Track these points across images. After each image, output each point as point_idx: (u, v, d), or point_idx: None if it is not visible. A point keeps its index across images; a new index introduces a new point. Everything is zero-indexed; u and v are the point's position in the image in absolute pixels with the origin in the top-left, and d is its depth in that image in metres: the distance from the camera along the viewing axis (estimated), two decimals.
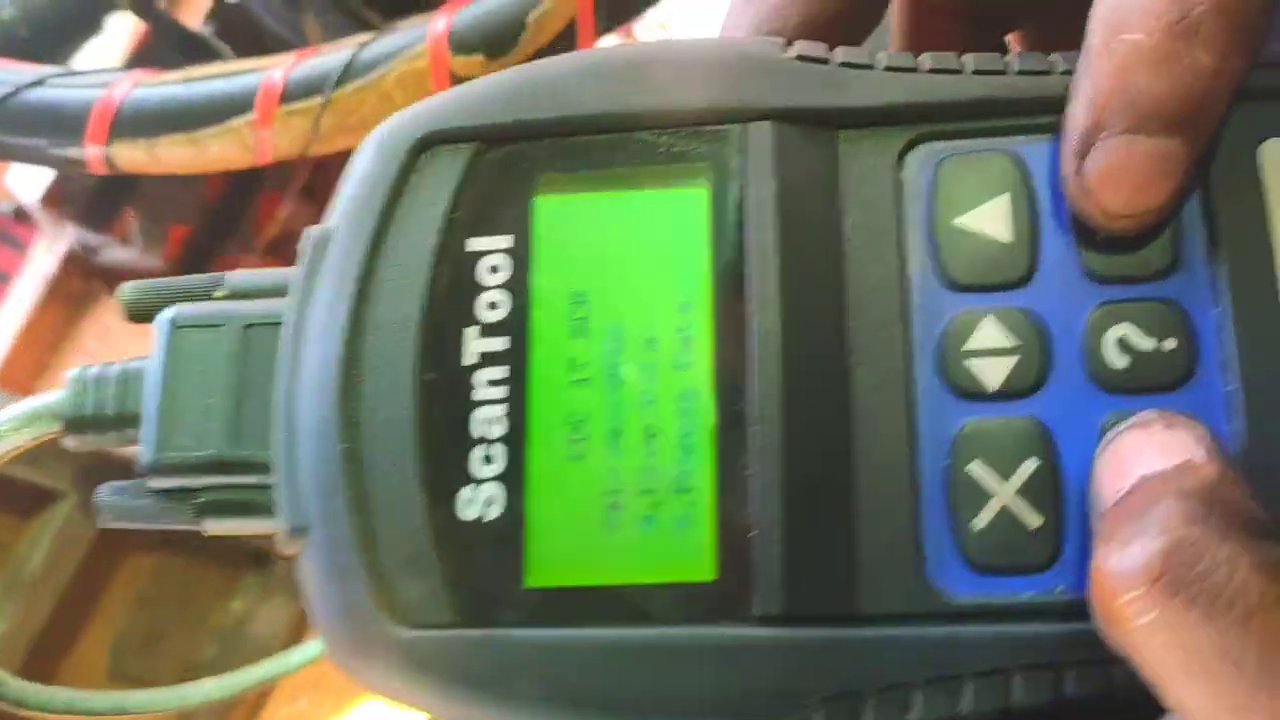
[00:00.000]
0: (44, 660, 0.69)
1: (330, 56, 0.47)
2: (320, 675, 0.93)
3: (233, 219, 0.80)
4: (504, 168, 0.21)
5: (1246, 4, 0.18)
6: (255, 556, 0.80)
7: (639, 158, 0.20)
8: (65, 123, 0.48)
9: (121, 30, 0.71)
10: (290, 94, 0.46)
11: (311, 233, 0.21)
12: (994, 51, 0.21)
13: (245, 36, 0.72)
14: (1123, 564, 0.16)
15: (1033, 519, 0.18)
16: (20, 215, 0.80)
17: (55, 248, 0.80)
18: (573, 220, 0.21)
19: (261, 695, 0.82)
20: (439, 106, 0.21)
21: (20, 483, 0.63)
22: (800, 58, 0.21)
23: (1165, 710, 0.17)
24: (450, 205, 0.20)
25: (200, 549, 0.77)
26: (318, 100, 0.46)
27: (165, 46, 0.70)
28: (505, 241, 0.20)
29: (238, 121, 0.47)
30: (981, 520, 0.19)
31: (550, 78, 0.21)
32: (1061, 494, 0.18)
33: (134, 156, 0.48)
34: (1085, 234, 0.20)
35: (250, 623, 0.79)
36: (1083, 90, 0.19)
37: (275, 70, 0.47)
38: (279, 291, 0.21)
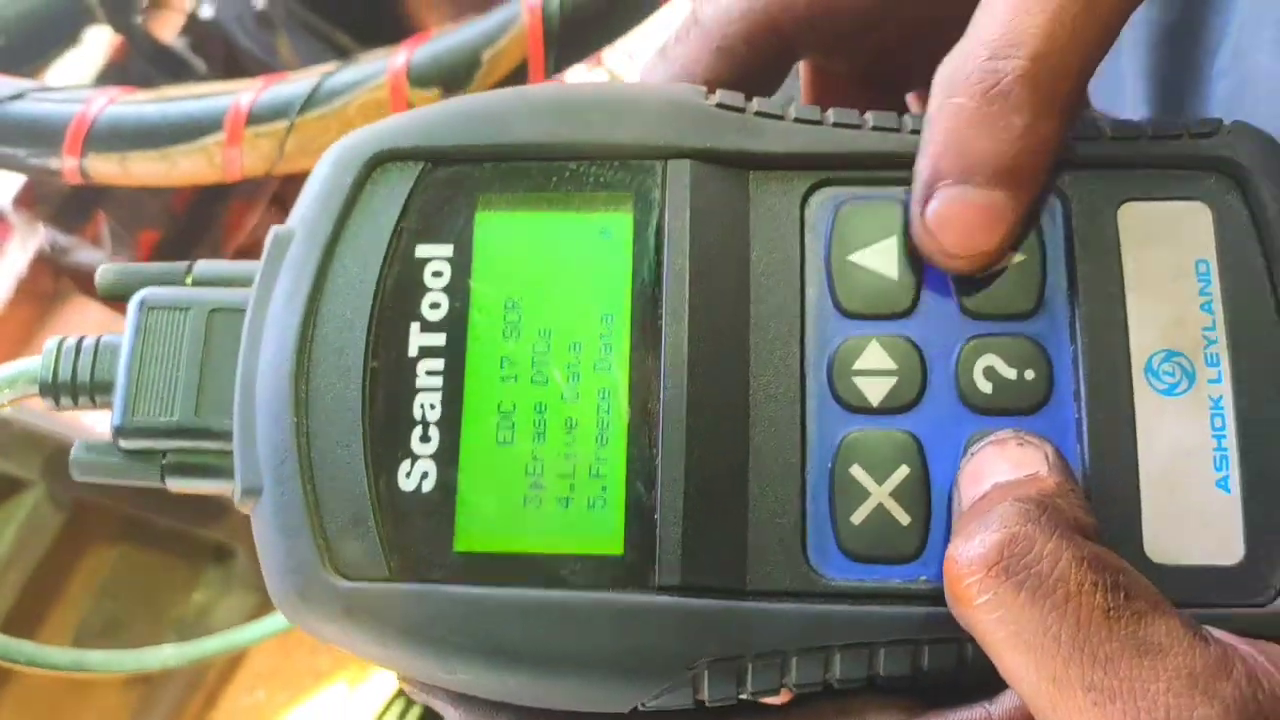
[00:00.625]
0: None
1: (296, 84, 0.50)
2: (277, 668, 0.95)
3: (202, 225, 0.82)
4: (449, 185, 0.23)
5: (1053, 75, 0.21)
6: (217, 551, 0.82)
7: (570, 184, 0.22)
8: (42, 135, 0.51)
9: (98, 43, 0.73)
10: (257, 117, 0.49)
11: (274, 231, 0.23)
12: (894, 109, 0.24)
13: (218, 52, 0.75)
14: (967, 552, 0.19)
15: (903, 517, 0.21)
16: None
17: (27, 247, 0.82)
18: (509, 235, 0.22)
19: (218, 686, 0.84)
20: (392, 127, 0.23)
21: None
22: (719, 105, 0.23)
23: (1000, 690, 0.20)
24: (400, 214, 0.22)
25: (164, 543, 0.79)
26: (283, 124, 0.49)
27: (140, 59, 0.73)
28: (448, 250, 0.22)
29: (207, 141, 0.50)
30: (858, 516, 0.21)
31: (494, 108, 0.23)
32: (929, 498, 0.21)
33: (107, 169, 0.51)
34: (962, 276, 0.22)
35: (210, 615, 0.81)
36: (924, 147, 0.22)
37: (244, 94, 0.50)
38: (243, 281, 0.23)
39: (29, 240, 0.84)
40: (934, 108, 0.22)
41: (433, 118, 0.23)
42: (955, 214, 0.21)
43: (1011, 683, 0.19)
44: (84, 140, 0.50)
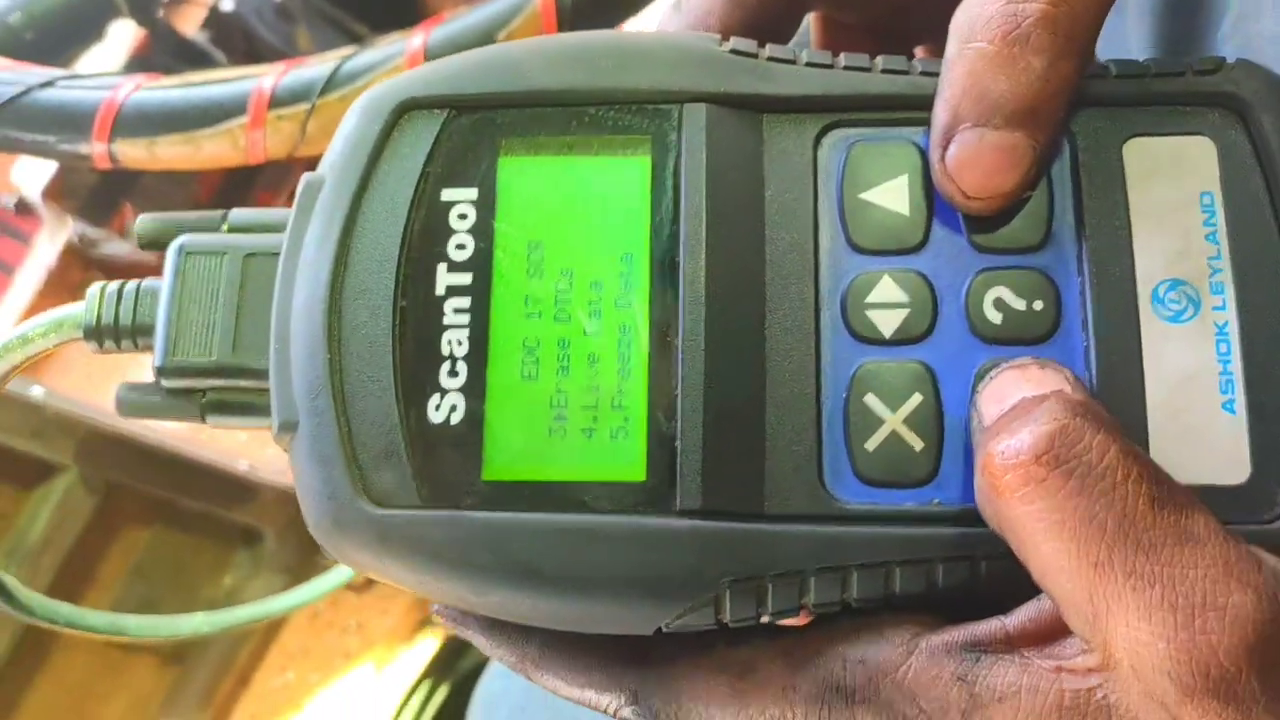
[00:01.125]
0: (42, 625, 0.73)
1: (316, 67, 0.51)
2: (308, 649, 0.97)
3: None
4: (473, 131, 0.23)
5: (1071, 18, 0.21)
6: (246, 534, 0.84)
7: (590, 129, 0.23)
8: (73, 121, 0.52)
9: (122, 36, 0.74)
10: (279, 100, 0.50)
11: (306, 177, 0.23)
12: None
13: (239, 44, 0.76)
14: (1013, 444, 0.19)
15: (916, 443, 0.21)
16: (22, 208, 0.84)
17: (56, 240, 0.84)
18: (531, 179, 0.23)
19: (250, 667, 0.86)
20: (418, 77, 0.24)
21: (22, 455, 0.66)
22: (733, 51, 0.23)
23: (1015, 608, 0.20)
24: (426, 160, 0.23)
25: (194, 526, 0.80)
26: (305, 106, 0.50)
27: (163, 52, 0.74)
28: (473, 194, 0.23)
29: (231, 124, 0.51)
30: (873, 442, 0.22)
31: (515, 56, 0.24)
32: (941, 424, 0.21)
33: (135, 153, 0.52)
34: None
35: (240, 597, 0.82)
36: (942, 92, 0.22)
37: (266, 78, 0.51)
38: (276, 227, 0.24)
39: (58, 233, 0.86)
40: (952, 53, 0.22)
41: (456, 68, 0.24)
42: (975, 157, 0.21)
43: (1045, 576, 0.19)
44: (112, 125, 0.51)
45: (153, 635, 0.47)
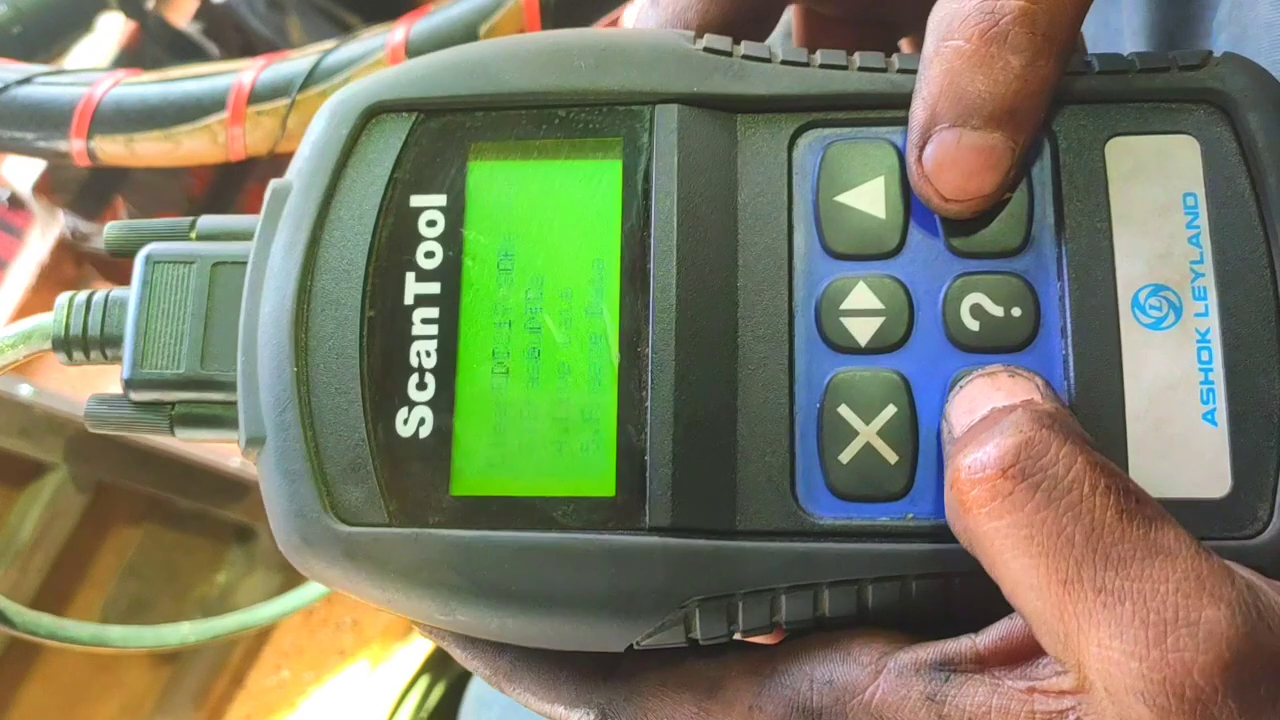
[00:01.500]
0: None
1: (296, 61, 0.50)
2: (302, 647, 0.96)
3: (220, 209, 0.83)
4: (441, 135, 0.23)
5: (1050, 16, 0.21)
6: (239, 532, 0.83)
7: (560, 131, 0.22)
8: (51, 118, 0.51)
9: (112, 29, 0.74)
10: (259, 95, 0.50)
11: (273, 184, 0.23)
12: (883, 50, 0.23)
13: (231, 36, 0.75)
14: (979, 458, 0.18)
15: (890, 456, 0.21)
16: (14, 202, 0.83)
17: (48, 235, 0.83)
18: (501, 184, 0.23)
19: (244, 666, 0.85)
20: (386, 80, 0.23)
21: (12, 455, 0.66)
22: (707, 49, 0.23)
23: (986, 627, 0.20)
24: (394, 165, 0.22)
25: (186, 524, 0.80)
26: (284, 101, 0.49)
27: (154, 45, 0.74)
28: (441, 200, 0.22)
29: (211, 120, 0.50)
30: (846, 455, 0.21)
31: (484, 58, 0.23)
32: (916, 436, 0.21)
33: (114, 150, 0.52)
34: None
35: (234, 594, 0.82)
36: (920, 91, 0.21)
37: (246, 73, 0.50)
38: (245, 235, 0.23)
39: (50, 227, 0.85)
40: (929, 50, 0.21)
41: (425, 70, 0.23)
42: (953, 158, 0.21)
43: (1015, 594, 0.18)
44: (90, 122, 0.51)
45: (138, 645, 0.46)
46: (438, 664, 0.82)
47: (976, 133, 0.21)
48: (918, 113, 0.21)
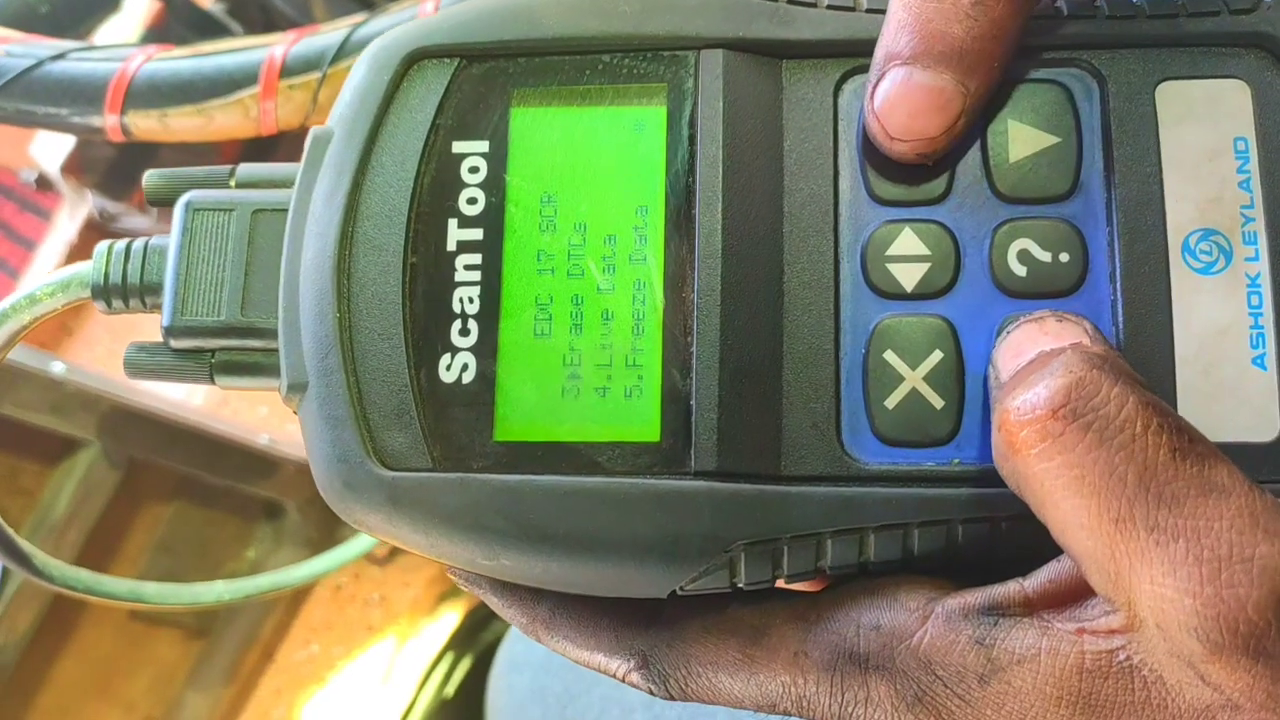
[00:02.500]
0: (69, 599, 0.73)
1: (327, 35, 0.50)
2: (331, 622, 0.97)
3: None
4: (484, 81, 0.23)
5: None
6: (268, 508, 0.84)
7: (603, 77, 0.22)
8: (84, 93, 0.52)
9: (137, 8, 0.74)
10: (290, 69, 0.50)
11: (314, 131, 0.23)
12: None
13: (255, 15, 0.75)
14: (1029, 399, 0.18)
15: (937, 401, 0.21)
16: (43, 184, 0.84)
17: (76, 215, 0.84)
18: (544, 130, 0.22)
19: (274, 641, 0.86)
20: (427, 26, 0.23)
21: (45, 431, 0.67)
22: None
23: (1033, 570, 0.20)
24: (436, 112, 0.22)
25: (217, 500, 0.81)
26: (316, 75, 0.50)
27: (179, 24, 0.74)
28: (484, 146, 0.22)
29: (243, 94, 0.50)
30: (892, 400, 0.21)
31: (527, 3, 0.23)
32: (963, 382, 0.21)
33: (148, 125, 0.52)
34: (908, 164, 0.22)
35: (263, 570, 0.83)
36: (884, 27, 0.21)
37: (277, 47, 0.50)
38: (285, 183, 0.23)
39: (78, 208, 0.86)
40: None
41: (466, 15, 0.23)
42: (901, 95, 0.21)
43: (1065, 534, 0.18)
44: (124, 97, 0.51)
45: (173, 603, 0.47)
46: (465, 638, 0.82)
47: (926, 71, 0.20)
48: (877, 48, 0.21)
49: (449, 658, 0.83)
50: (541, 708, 0.46)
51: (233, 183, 0.24)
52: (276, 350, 0.22)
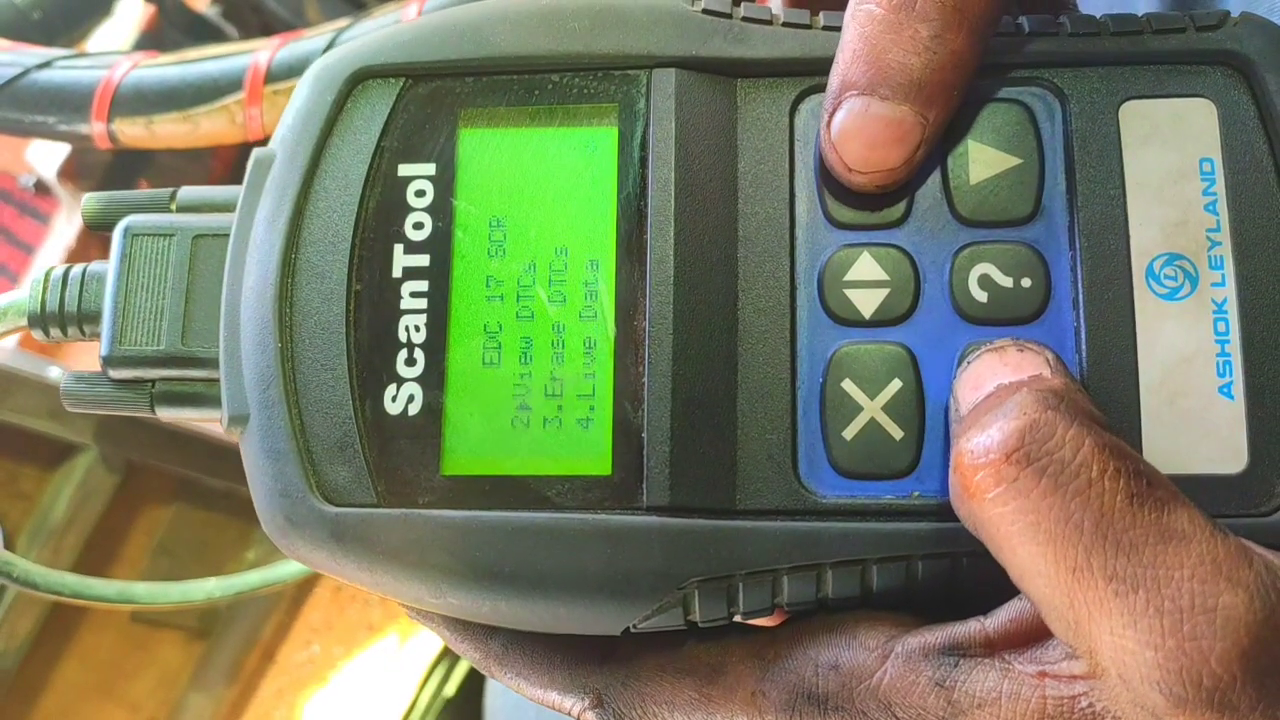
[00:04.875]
0: (68, 605, 0.74)
1: (312, 40, 0.50)
2: (331, 622, 0.97)
3: None
4: (430, 102, 0.22)
5: None
6: None
7: (553, 97, 0.22)
8: (71, 101, 0.52)
9: (130, 13, 0.74)
10: (275, 74, 0.49)
11: (256, 153, 0.22)
12: None
13: (249, 18, 0.75)
14: (983, 442, 0.18)
15: (896, 432, 0.20)
16: (40, 188, 0.84)
17: (74, 219, 0.84)
18: (492, 152, 0.22)
19: (274, 642, 0.86)
20: (372, 44, 0.22)
21: (43, 436, 0.67)
22: (705, 10, 0.22)
23: (995, 606, 0.19)
24: (381, 133, 0.22)
25: (215, 502, 0.81)
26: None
27: (172, 28, 0.74)
28: (430, 169, 0.22)
29: (228, 100, 0.50)
30: (850, 431, 0.20)
31: (474, 21, 0.22)
32: (923, 411, 0.20)
33: (135, 132, 0.52)
34: (865, 194, 0.21)
35: None
36: (838, 54, 0.21)
37: (262, 53, 0.50)
38: (227, 206, 0.23)
39: (75, 213, 0.86)
40: (848, 12, 0.21)
41: (413, 33, 0.22)
42: (858, 126, 0.20)
43: (1023, 581, 0.18)
44: (110, 104, 0.51)
45: (163, 602, 0.47)
46: None
47: (885, 103, 0.20)
48: (832, 76, 0.21)
49: (449, 657, 0.83)
50: (541, 708, 0.46)
51: (174, 206, 0.23)
52: (218, 381, 0.21)
